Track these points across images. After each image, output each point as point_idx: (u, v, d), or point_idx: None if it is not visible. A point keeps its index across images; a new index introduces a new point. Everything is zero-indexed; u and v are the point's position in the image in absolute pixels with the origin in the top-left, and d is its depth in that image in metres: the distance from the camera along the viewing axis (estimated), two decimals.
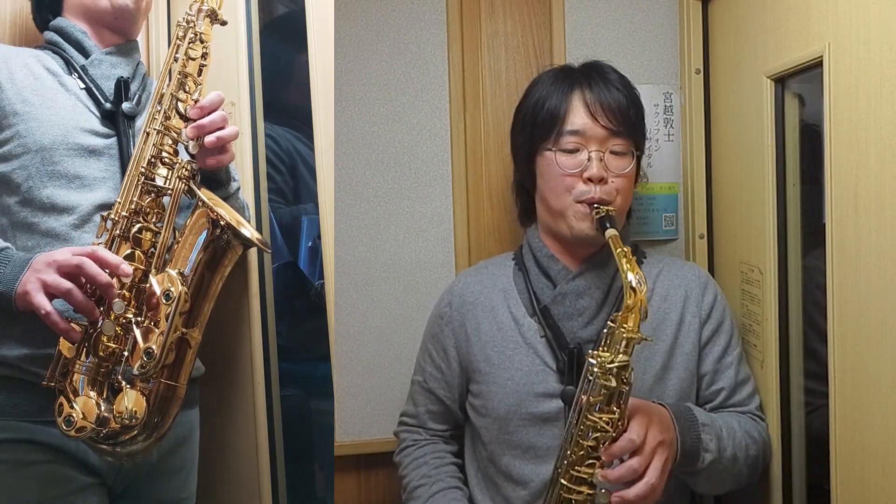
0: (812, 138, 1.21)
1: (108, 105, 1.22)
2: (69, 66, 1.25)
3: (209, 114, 1.17)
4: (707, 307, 1.27)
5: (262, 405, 1.44)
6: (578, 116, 1.21)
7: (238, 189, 1.33)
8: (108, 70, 1.26)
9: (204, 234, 1.13)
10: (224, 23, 1.24)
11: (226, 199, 1.24)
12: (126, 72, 1.28)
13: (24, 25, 1.48)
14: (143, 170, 1.14)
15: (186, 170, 1.16)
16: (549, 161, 1.23)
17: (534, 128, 1.25)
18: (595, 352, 1.06)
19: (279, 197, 1.64)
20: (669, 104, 1.50)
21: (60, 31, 1.28)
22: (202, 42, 1.21)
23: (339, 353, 1.44)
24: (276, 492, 1.45)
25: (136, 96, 1.28)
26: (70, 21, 1.29)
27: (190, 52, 1.19)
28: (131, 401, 1.07)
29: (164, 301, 1.07)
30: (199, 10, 1.22)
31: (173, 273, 1.10)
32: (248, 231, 1.17)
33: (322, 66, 1.37)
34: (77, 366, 1.08)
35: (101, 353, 1.08)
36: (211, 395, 1.43)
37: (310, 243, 1.66)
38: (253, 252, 1.44)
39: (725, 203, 1.43)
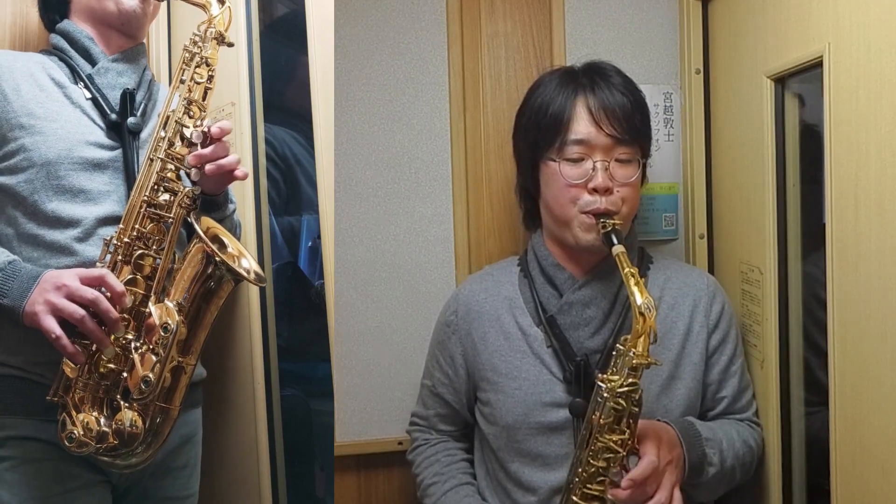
0: (812, 138, 1.21)
1: (113, 116, 1.23)
2: (75, 74, 1.25)
3: (214, 142, 1.18)
4: (715, 317, 1.27)
5: (262, 405, 1.44)
6: (582, 125, 1.19)
7: (234, 210, 1.34)
8: (114, 79, 1.27)
9: (199, 268, 1.16)
10: (231, 44, 1.25)
11: (220, 220, 1.26)
12: (132, 80, 1.28)
13: (24, 27, 1.48)
14: (145, 197, 1.16)
15: (188, 197, 1.18)
16: (552, 171, 1.21)
17: (537, 135, 1.24)
18: (604, 375, 1.07)
19: (270, 206, 1.62)
20: (669, 104, 1.50)
21: (67, 36, 1.28)
22: (208, 66, 1.21)
23: (339, 353, 1.44)
24: (276, 492, 1.45)
25: (142, 106, 1.28)
26: (77, 25, 1.29)
27: (196, 76, 1.20)
28: (129, 420, 1.12)
29: (162, 333, 1.11)
30: (206, 33, 1.22)
31: (171, 305, 1.14)
32: (247, 262, 1.21)
33: (322, 67, 1.37)
34: (79, 382, 1.12)
35: (101, 370, 1.12)
36: (212, 395, 1.43)
37: (310, 243, 1.66)
38: (252, 252, 1.44)
39: (725, 203, 1.43)
